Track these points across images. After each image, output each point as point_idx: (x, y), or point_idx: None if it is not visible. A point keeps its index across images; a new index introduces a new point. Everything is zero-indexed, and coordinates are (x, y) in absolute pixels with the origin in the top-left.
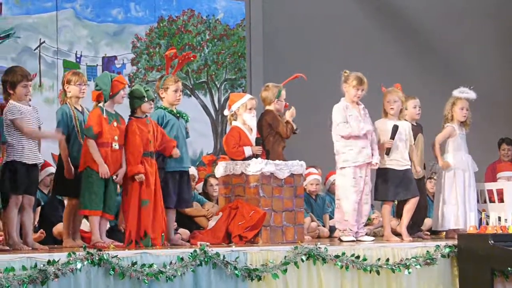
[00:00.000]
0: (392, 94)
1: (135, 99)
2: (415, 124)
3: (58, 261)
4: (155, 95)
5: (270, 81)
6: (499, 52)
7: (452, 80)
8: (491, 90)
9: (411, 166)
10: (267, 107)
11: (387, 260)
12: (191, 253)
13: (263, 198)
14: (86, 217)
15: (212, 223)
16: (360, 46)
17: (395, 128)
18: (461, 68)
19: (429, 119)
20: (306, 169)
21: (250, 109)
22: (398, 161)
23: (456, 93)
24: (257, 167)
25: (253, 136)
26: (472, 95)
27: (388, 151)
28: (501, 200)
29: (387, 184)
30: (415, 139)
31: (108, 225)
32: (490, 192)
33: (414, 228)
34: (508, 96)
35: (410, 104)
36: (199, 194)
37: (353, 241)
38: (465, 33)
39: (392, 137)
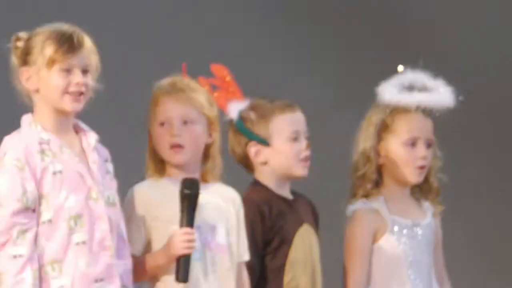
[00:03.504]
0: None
1: None
2: (290, 198)
3: None
4: None
5: None
6: None
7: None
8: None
9: None
10: None
11: None
12: None
13: None
14: None
15: None
16: None
17: (187, 195)
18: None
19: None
20: None
21: None
22: None
23: (389, 94)
24: None
25: None
26: (442, 95)
27: (181, 275)
28: None
29: None
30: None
31: None
32: None
33: None
34: None
35: (278, 127)
36: None
37: None
38: None
39: (188, 223)
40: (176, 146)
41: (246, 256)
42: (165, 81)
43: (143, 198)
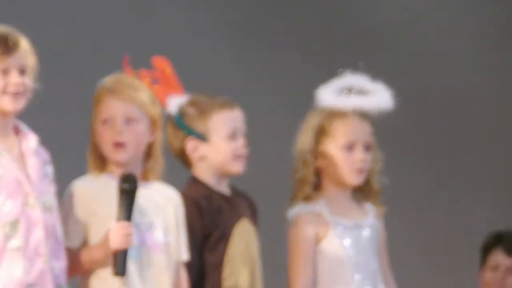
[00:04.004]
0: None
1: None
2: (228, 193)
3: None
4: None
5: None
6: None
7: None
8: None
9: None
10: None
11: None
12: None
13: None
14: None
15: None
16: None
17: (124, 190)
18: None
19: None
20: None
21: None
22: None
23: (327, 97)
24: None
25: None
26: (380, 98)
27: (118, 269)
28: None
29: None
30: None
31: None
32: None
33: None
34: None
35: (217, 124)
36: None
37: None
38: None
39: (126, 217)
40: (119, 144)
41: (185, 256)
42: (109, 79)
43: (82, 193)
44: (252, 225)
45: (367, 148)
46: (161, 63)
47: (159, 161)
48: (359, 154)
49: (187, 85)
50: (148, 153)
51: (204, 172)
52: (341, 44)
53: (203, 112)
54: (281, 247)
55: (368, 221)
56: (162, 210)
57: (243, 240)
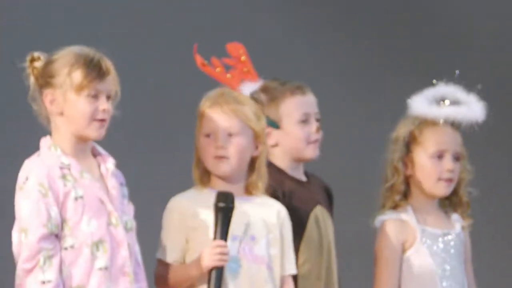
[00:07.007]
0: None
1: None
2: (303, 179)
3: None
4: None
5: None
6: None
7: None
8: None
9: None
10: None
11: None
12: None
13: None
14: None
15: None
16: None
17: (220, 208)
18: None
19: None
20: None
21: None
22: None
23: (419, 106)
24: None
25: None
26: (472, 109)
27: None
28: None
29: None
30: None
31: None
32: None
33: None
34: None
35: (288, 110)
36: None
37: None
38: None
39: (221, 236)
40: (220, 158)
41: (292, 270)
42: (213, 93)
43: (183, 207)
44: (327, 212)
45: (457, 158)
46: (236, 50)
47: (263, 175)
48: (448, 164)
49: (263, 72)
50: (252, 166)
51: (278, 158)
52: (434, 54)
53: (274, 98)
54: (355, 234)
55: (455, 232)
56: (266, 223)
57: (319, 227)
